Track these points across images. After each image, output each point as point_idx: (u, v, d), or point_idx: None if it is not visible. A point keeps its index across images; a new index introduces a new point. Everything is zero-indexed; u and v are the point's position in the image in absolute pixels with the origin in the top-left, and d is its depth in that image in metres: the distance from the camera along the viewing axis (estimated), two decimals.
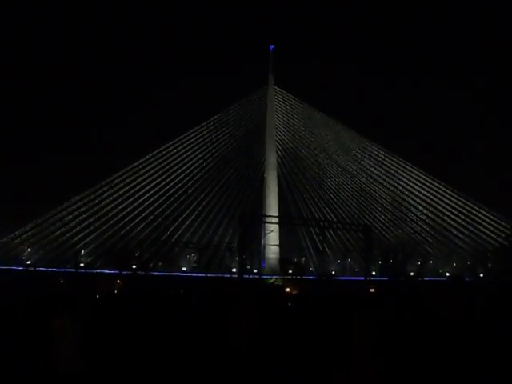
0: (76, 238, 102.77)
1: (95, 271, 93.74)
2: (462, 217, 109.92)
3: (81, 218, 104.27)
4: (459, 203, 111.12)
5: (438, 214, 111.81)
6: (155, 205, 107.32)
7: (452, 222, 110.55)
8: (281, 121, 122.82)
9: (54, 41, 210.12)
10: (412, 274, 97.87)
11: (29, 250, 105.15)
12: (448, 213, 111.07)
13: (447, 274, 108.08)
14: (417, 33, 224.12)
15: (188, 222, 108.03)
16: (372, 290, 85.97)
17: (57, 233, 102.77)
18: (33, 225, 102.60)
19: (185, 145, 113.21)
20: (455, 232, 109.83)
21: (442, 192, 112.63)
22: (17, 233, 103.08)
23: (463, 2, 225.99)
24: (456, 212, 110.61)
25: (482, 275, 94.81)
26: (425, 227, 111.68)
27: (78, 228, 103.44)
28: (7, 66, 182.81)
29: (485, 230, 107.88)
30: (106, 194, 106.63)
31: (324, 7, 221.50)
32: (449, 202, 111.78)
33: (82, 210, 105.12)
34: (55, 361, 15.22)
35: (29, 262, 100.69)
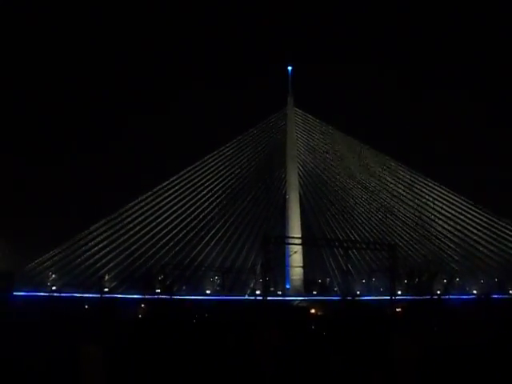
0: (100, 263, 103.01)
1: (119, 296, 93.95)
2: (488, 233, 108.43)
3: (104, 243, 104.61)
4: (485, 219, 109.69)
5: (464, 230, 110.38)
6: (178, 228, 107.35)
7: (478, 239, 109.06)
8: (301, 142, 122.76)
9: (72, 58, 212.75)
10: (438, 292, 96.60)
11: (53, 275, 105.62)
12: (474, 229, 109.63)
13: (474, 292, 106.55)
14: (443, 48, 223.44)
15: (211, 245, 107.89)
16: (398, 309, 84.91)
17: (81, 258, 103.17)
18: (57, 251, 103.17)
19: (206, 168, 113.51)
20: (481, 249, 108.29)
21: (467, 208, 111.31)
22: (41, 259, 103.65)
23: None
24: (482, 228, 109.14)
25: (511, 292, 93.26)
26: (450, 244, 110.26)
27: (102, 253, 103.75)
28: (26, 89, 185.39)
29: None
30: (128, 219, 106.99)
31: (343, 27, 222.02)
32: (474, 218, 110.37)
33: (106, 235, 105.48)
34: None
35: (54, 288, 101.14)
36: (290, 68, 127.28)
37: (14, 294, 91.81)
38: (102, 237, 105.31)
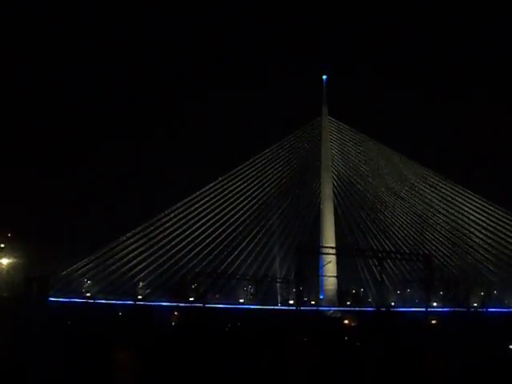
0: (134, 271, 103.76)
1: (152, 303, 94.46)
2: None
3: (139, 250, 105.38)
4: None
5: (501, 241, 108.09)
6: (212, 237, 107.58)
7: None
8: (336, 151, 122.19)
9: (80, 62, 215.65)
10: (475, 304, 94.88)
11: (88, 282, 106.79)
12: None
13: None
14: (478, 57, 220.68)
15: (245, 254, 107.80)
16: (434, 321, 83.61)
17: (115, 265, 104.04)
18: (92, 258, 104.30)
19: (241, 177, 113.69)
20: None
21: (504, 219, 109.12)
22: (77, 265, 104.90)
23: None
24: None
25: None
26: (488, 256, 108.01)
27: (136, 261, 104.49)
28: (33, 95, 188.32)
29: None
30: (163, 227, 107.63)
31: (379, 37, 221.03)
32: None
33: (140, 242, 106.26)
34: None
35: (88, 294, 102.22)
36: (324, 77, 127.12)
37: (50, 299, 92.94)
38: (136, 244, 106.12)
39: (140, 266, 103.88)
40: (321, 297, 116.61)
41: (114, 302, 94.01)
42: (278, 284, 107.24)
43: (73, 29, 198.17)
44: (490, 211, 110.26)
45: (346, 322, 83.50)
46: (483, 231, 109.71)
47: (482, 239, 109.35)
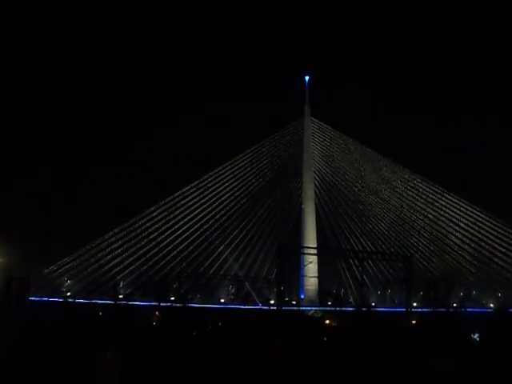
0: (115, 270, 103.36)
1: (133, 303, 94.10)
2: (506, 245, 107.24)
3: (119, 250, 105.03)
4: (502, 232, 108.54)
5: (481, 243, 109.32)
6: (193, 237, 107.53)
7: (495, 252, 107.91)
8: (318, 152, 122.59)
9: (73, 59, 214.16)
10: (455, 304, 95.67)
11: (68, 281, 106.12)
12: (491, 242, 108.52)
13: (491, 305, 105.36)
14: (461, 61, 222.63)
15: (226, 254, 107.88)
16: (413, 321, 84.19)
17: (96, 265, 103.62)
18: (73, 257, 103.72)
19: (222, 177, 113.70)
20: (499, 261, 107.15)
21: (483, 221, 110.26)
22: (57, 265, 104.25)
23: None
24: (499, 241, 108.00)
25: None
26: (467, 257, 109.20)
27: (117, 260, 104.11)
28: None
29: None
30: (144, 227, 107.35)
31: (362, 38, 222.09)
32: (491, 230, 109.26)
33: (121, 242, 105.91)
34: None
35: (68, 294, 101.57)
36: (307, 78, 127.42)
37: (30, 298, 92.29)
38: (117, 244, 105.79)
39: (121, 266, 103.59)
40: (302, 297, 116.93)
41: (94, 301, 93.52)
42: (259, 284, 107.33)
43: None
44: (469, 213, 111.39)
45: (327, 322, 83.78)
46: (463, 233, 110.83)
47: (461, 240, 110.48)
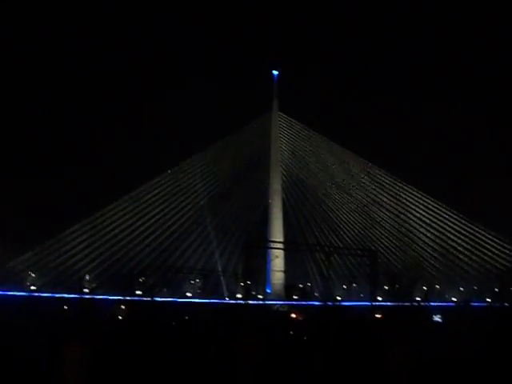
0: (80, 264, 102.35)
1: (99, 297, 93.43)
2: (469, 241, 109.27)
3: (85, 243, 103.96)
4: (465, 228, 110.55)
5: (444, 238, 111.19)
6: (160, 231, 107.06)
7: (458, 247, 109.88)
8: (285, 147, 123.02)
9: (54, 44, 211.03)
10: (418, 299, 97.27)
11: (33, 275, 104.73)
12: (454, 237, 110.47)
13: (454, 300, 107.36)
14: (427, 56, 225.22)
15: (193, 248, 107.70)
16: (378, 315, 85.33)
17: (61, 258, 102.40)
18: (37, 250, 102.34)
19: (189, 170, 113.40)
20: (461, 257, 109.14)
21: (447, 217, 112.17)
22: (21, 258, 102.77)
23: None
24: (462, 237, 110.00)
25: (489, 300, 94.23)
26: (431, 252, 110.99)
27: (83, 254, 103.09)
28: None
29: (491, 255, 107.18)
30: (110, 220, 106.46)
31: (330, 32, 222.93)
32: (455, 226, 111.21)
33: (87, 235, 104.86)
34: None
35: (33, 288, 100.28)
36: (275, 73, 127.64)
37: None
38: (83, 237, 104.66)
39: (87, 259, 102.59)
40: (268, 291, 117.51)
41: (59, 295, 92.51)
42: (226, 278, 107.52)
43: None
44: (434, 209, 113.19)
45: (293, 315, 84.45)
46: (427, 228, 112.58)
47: (426, 236, 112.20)
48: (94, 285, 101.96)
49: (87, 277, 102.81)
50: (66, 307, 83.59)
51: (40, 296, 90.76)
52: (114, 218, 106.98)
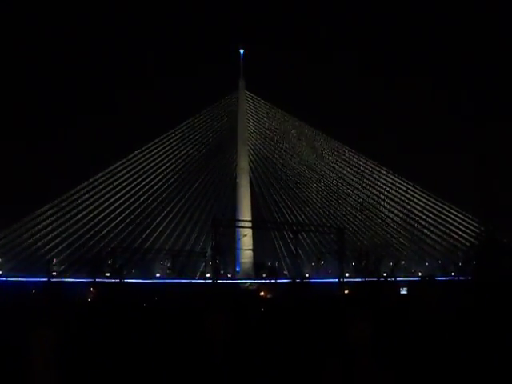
0: (47, 247, 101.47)
1: (68, 280, 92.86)
2: (433, 217, 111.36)
3: (53, 226, 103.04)
4: (430, 204, 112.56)
5: (410, 214, 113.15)
6: (127, 211, 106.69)
7: (423, 223, 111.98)
8: (252, 125, 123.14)
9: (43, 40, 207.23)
10: (385, 274, 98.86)
11: None
12: (419, 213, 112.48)
13: (420, 274, 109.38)
14: (397, 31, 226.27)
15: (161, 229, 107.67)
16: (346, 291, 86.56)
17: (28, 242, 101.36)
18: (3, 234, 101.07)
19: (155, 151, 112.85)
20: (427, 232, 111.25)
21: (413, 193, 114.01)
22: None
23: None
24: (427, 212, 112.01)
25: (453, 274, 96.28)
26: (397, 228, 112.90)
27: (50, 236, 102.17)
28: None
29: (456, 230, 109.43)
30: (77, 202, 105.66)
31: (297, 8, 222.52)
32: (420, 202, 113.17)
33: (53, 218, 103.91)
34: (32, 376, 15.07)
35: None
36: (241, 51, 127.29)
37: None
38: (49, 220, 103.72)
39: (54, 242, 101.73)
40: (237, 270, 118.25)
41: (26, 279, 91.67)
42: (195, 258, 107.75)
43: None
44: (400, 186, 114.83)
45: (262, 293, 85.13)
46: (393, 205, 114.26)
47: (392, 212, 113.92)
48: (62, 268, 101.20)
49: (55, 260, 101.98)
50: (34, 291, 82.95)
51: (7, 281, 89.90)
52: (80, 199, 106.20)
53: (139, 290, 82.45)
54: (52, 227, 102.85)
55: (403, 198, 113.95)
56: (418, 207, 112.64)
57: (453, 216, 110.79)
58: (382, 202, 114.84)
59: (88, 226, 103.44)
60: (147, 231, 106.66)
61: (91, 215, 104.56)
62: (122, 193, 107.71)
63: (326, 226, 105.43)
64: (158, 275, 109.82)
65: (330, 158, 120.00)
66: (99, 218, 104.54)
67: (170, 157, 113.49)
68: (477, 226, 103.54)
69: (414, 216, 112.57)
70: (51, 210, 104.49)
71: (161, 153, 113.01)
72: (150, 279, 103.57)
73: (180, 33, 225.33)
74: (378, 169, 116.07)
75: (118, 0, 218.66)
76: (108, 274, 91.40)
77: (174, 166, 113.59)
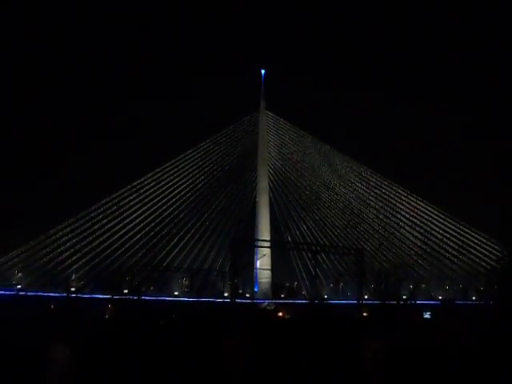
0: (67, 263, 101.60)
1: (86, 296, 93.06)
2: (455, 240, 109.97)
3: (72, 242, 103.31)
4: (451, 227, 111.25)
5: (431, 237, 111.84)
6: (147, 229, 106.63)
7: (444, 246, 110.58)
8: (273, 146, 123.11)
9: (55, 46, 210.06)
10: (404, 297, 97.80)
11: (19, 274, 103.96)
12: (440, 236, 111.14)
13: (440, 298, 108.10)
14: (416, 54, 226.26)
15: (180, 247, 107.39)
16: (365, 313, 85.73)
17: (48, 257, 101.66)
18: (24, 249, 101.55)
19: (176, 169, 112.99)
20: (447, 255, 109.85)
21: (434, 216, 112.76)
22: (7, 257, 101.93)
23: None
24: (448, 235, 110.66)
25: (474, 298, 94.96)
26: (417, 251, 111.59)
27: (70, 252, 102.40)
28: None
29: (477, 253, 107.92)
30: (97, 219, 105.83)
31: (316, 32, 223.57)
32: (441, 225, 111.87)
33: (74, 234, 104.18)
34: None
35: (19, 287, 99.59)
36: (263, 71, 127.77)
37: None
38: (69, 236, 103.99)
39: (73, 258, 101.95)
40: (255, 289, 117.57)
41: (46, 294, 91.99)
42: (213, 276, 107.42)
43: None
44: (421, 208, 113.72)
45: (280, 314, 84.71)
46: (413, 227, 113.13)
47: (412, 235, 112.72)
48: (81, 283, 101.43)
49: (74, 276, 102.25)
50: (52, 306, 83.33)
51: (26, 295, 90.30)
52: (101, 216, 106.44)
53: (157, 307, 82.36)
54: (72, 243, 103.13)
55: (423, 219, 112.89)
56: (439, 229, 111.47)
57: (474, 239, 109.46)
58: (402, 224, 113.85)
59: (107, 243, 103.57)
60: (166, 249, 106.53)
61: (111, 232, 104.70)
62: (141, 210, 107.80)
63: (346, 247, 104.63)
64: (176, 293, 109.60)
65: (351, 178, 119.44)
66: (119, 235, 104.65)
67: (191, 175, 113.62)
68: (499, 249, 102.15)
69: (434, 238, 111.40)
70: (71, 226, 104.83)
71: (182, 171, 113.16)
72: (168, 297, 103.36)
73: (202, 53, 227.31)
74: (398, 190, 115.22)
75: (136, 28, 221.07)
76: (126, 291, 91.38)
77: (194, 184, 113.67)
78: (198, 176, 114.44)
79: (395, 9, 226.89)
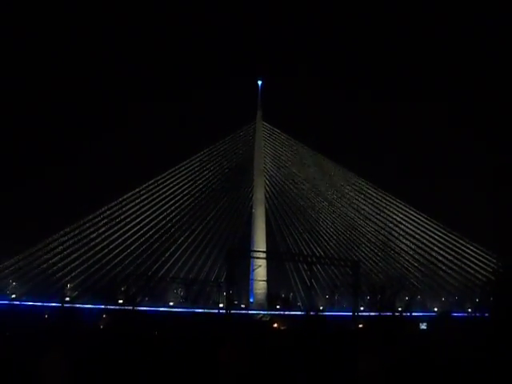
0: (62, 272, 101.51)
1: (81, 306, 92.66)
2: (450, 252, 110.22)
3: (67, 252, 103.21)
4: (447, 238, 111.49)
5: (426, 249, 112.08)
6: (142, 239, 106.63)
7: (440, 258, 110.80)
8: (269, 156, 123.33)
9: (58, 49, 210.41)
10: (400, 308, 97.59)
11: (13, 283, 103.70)
12: (436, 248, 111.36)
13: (435, 309, 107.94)
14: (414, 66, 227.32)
15: (175, 257, 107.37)
16: (360, 325, 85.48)
17: (42, 267, 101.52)
18: (18, 258, 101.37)
19: (172, 179, 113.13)
20: (443, 267, 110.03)
21: (430, 227, 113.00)
22: (1, 266, 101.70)
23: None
24: (444, 247, 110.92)
25: (470, 310, 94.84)
26: (413, 262, 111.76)
27: (64, 262, 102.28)
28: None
29: (472, 265, 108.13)
30: (91, 229, 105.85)
31: (315, 42, 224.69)
32: (437, 237, 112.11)
33: (68, 244, 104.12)
34: None
35: (13, 296, 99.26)
36: (259, 82, 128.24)
37: None
38: (64, 245, 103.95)
39: (68, 268, 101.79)
40: (251, 300, 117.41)
41: (40, 304, 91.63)
42: (209, 287, 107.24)
43: None
44: (416, 219, 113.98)
45: (275, 325, 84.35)
46: (409, 239, 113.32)
47: (408, 246, 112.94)
48: (75, 293, 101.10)
49: (68, 285, 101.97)
50: (46, 316, 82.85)
51: (21, 304, 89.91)
52: (95, 226, 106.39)
53: (152, 318, 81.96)
54: (66, 253, 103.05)
55: (419, 231, 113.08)
56: (434, 241, 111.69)
57: (469, 251, 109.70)
58: (398, 236, 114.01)
59: (102, 253, 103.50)
60: (162, 259, 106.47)
61: (106, 242, 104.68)
62: (137, 220, 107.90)
63: (342, 258, 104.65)
64: (171, 303, 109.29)
65: (347, 190, 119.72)
66: (114, 244, 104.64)
67: (186, 185, 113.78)
68: (494, 261, 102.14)
69: (429, 250, 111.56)
70: (66, 236, 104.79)
71: (177, 181, 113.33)
72: (164, 307, 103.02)
73: (199, 64, 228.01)
74: (394, 202, 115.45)
75: (134, 36, 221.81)
76: (121, 301, 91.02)
77: (190, 195, 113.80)
78: (194, 186, 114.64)
79: (392, 23, 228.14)
